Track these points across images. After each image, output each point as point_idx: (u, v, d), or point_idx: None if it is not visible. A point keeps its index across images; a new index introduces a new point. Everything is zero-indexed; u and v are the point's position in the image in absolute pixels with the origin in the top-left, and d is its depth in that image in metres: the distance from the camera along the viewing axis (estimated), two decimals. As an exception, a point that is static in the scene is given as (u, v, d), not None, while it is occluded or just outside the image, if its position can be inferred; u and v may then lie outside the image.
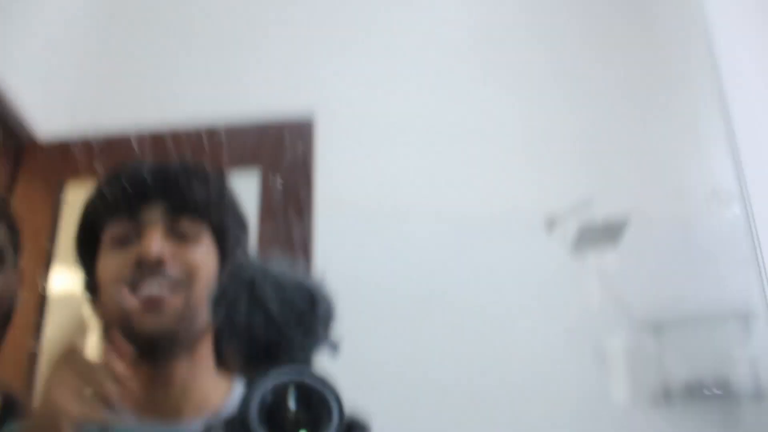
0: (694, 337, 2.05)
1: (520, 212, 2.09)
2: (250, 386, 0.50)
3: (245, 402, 0.48)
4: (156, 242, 0.77)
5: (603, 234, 1.96)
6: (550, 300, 2.06)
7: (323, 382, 0.51)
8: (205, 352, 0.84)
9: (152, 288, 0.76)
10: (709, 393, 1.92)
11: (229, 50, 2.21)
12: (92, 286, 0.85)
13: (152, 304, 0.75)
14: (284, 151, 1.80)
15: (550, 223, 2.10)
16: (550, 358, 2.02)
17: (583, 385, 2.03)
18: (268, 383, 0.49)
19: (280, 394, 0.49)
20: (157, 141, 1.75)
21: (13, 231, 1.03)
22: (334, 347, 0.59)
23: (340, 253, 1.73)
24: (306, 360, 0.56)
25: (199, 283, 0.78)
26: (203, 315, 0.78)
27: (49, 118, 1.89)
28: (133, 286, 0.76)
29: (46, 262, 1.80)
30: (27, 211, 1.83)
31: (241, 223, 0.91)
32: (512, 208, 2.10)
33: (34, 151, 1.83)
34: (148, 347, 0.77)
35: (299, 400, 0.49)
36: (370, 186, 2.06)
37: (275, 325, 0.54)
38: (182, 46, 2.20)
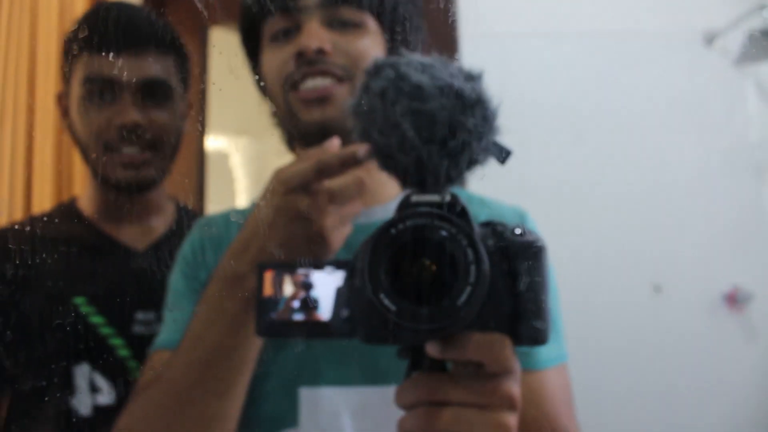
0: None
1: (681, 26, 1.95)
2: (369, 242, 0.42)
3: (371, 256, 0.41)
4: (315, 33, 0.73)
5: (774, 44, 1.79)
6: (710, 119, 1.96)
7: (459, 229, 0.41)
8: None
9: (315, 80, 0.73)
10: None
11: None
12: (261, 82, 0.82)
13: (317, 97, 0.73)
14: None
15: (710, 38, 1.95)
16: (707, 180, 1.95)
17: (742, 207, 1.96)
18: (391, 236, 0.41)
19: (404, 250, 0.41)
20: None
21: (183, 62, 1.04)
22: (504, 154, 0.49)
23: (489, 76, 1.67)
24: (458, 179, 0.48)
25: None
26: None
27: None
28: (296, 79, 0.74)
29: (198, 105, 1.84)
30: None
31: (413, 9, 0.82)
32: (673, 22, 1.95)
33: (176, -3, 1.84)
34: (319, 140, 0.73)
35: (430, 255, 0.42)
36: (518, 11, 1.97)
37: (411, 145, 0.45)
38: None
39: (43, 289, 0.92)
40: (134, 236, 1.01)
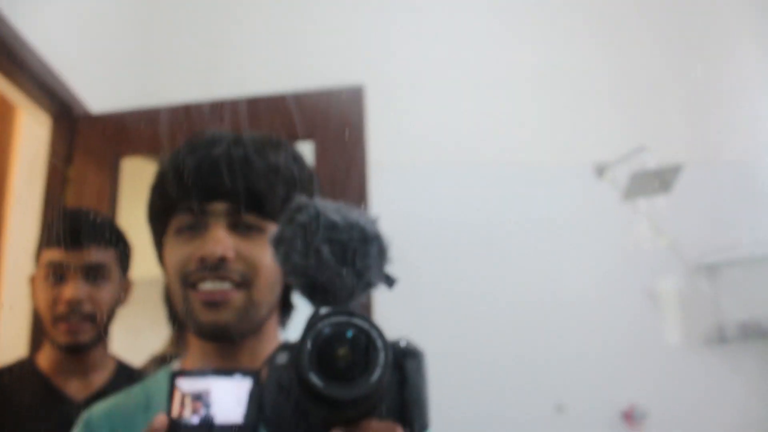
0: (749, 278, 2.07)
1: (572, 160, 2.10)
2: (303, 333, 0.52)
3: (298, 349, 0.51)
4: (220, 239, 0.76)
5: (655, 181, 1.95)
6: (602, 244, 2.09)
7: (370, 325, 0.52)
8: (273, 327, 0.84)
9: (214, 284, 0.76)
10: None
11: (280, 22, 2.19)
12: (163, 261, 0.84)
13: (214, 300, 0.76)
14: (336, 120, 1.80)
15: (600, 170, 2.10)
16: (601, 301, 2.06)
17: (634, 326, 2.07)
18: (319, 330, 0.51)
19: (330, 340, 0.51)
20: (211, 112, 1.76)
21: (124, 251, 1.31)
22: (391, 281, 0.60)
23: (395, 208, 1.77)
24: (361, 296, 0.58)
25: (262, 279, 0.77)
26: (266, 306, 0.79)
27: (101, 92, 1.91)
28: (196, 280, 0.76)
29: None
30: (85, 184, 1.87)
31: None
32: (564, 156, 2.10)
33: (88, 124, 1.85)
34: (211, 337, 0.79)
35: (348, 344, 0.51)
36: (423, 142, 2.08)
37: (327, 266, 0.56)
38: (231, 20, 2.17)
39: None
40: (77, 389, 1.24)
